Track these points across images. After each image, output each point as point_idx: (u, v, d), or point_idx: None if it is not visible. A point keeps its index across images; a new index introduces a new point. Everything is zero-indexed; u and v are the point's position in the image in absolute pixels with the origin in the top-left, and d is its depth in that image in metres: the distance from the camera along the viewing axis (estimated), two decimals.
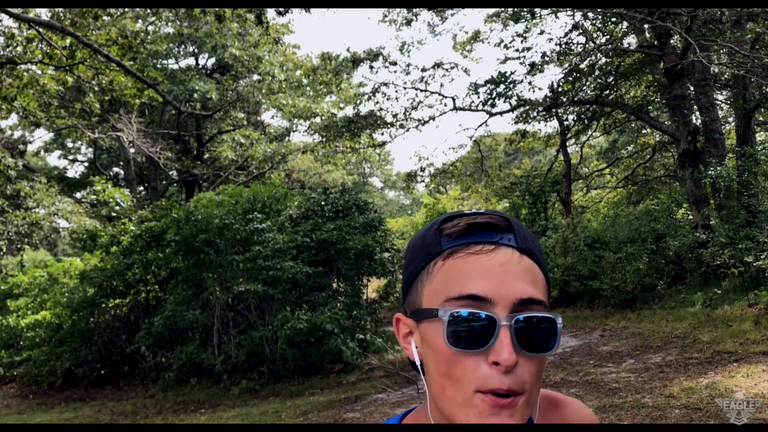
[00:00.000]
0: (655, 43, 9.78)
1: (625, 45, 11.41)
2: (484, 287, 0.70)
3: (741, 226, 7.98)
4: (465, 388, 0.72)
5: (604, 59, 11.11)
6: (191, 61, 18.84)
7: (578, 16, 10.66)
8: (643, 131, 15.08)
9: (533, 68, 11.55)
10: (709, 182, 9.00)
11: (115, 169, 22.08)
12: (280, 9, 8.15)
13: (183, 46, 17.91)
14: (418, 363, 0.78)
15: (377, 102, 14.27)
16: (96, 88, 10.62)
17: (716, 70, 10.05)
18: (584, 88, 11.67)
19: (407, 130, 14.11)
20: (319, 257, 8.09)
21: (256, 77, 17.25)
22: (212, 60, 18.37)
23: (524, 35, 11.61)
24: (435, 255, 0.74)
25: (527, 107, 12.14)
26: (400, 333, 0.81)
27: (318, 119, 16.75)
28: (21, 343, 9.05)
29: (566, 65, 11.42)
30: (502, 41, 12.62)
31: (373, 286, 10.56)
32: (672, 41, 9.69)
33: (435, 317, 0.71)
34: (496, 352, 0.69)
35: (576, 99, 11.44)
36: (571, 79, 11.44)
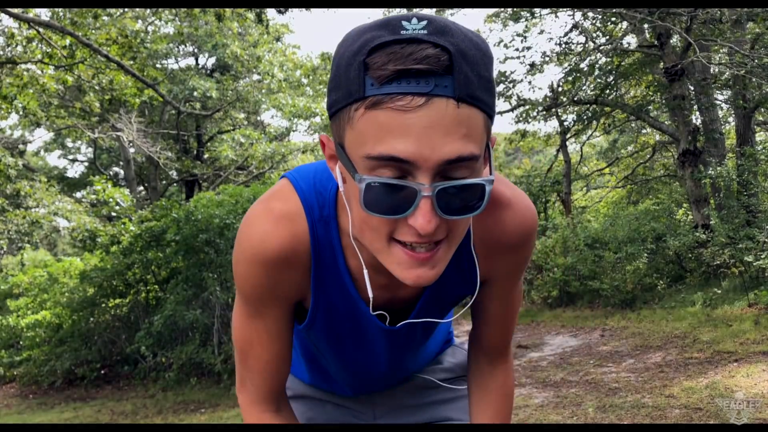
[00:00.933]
0: (655, 42, 9.78)
1: (625, 45, 11.41)
2: (406, 149, 0.62)
3: (741, 225, 7.98)
4: (382, 237, 0.71)
5: (604, 59, 11.11)
6: (191, 60, 18.85)
7: (578, 15, 10.66)
8: (643, 131, 15.07)
9: (533, 68, 11.55)
10: (709, 182, 9.00)
11: (115, 169, 22.07)
12: (281, 9, 8.15)
13: (183, 46, 17.90)
14: (342, 189, 0.76)
15: None
16: (96, 88, 10.62)
17: (716, 70, 10.05)
18: (584, 87, 11.67)
19: None
20: None
21: (256, 77, 17.26)
22: (212, 60, 18.36)
23: (524, 35, 11.61)
24: (357, 99, 0.64)
25: (527, 107, 12.14)
26: (326, 153, 0.76)
27: (318, 119, 16.75)
28: (21, 343, 9.05)
29: (566, 65, 11.42)
30: (501, 41, 12.62)
31: None
32: (672, 41, 9.69)
33: (352, 176, 0.67)
34: (413, 218, 0.66)
35: (576, 99, 11.44)
36: (571, 78, 11.44)
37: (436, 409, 1.20)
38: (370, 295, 0.83)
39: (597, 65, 11.24)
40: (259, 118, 18.81)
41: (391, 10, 13.72)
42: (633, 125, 14.28)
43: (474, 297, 0.94)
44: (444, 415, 1.19)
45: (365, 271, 0.82)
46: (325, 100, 0.74)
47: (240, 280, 0.88)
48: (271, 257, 0.84)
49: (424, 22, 0.64)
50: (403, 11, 13.74)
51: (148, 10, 12.01)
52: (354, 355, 1.02)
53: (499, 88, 11.86)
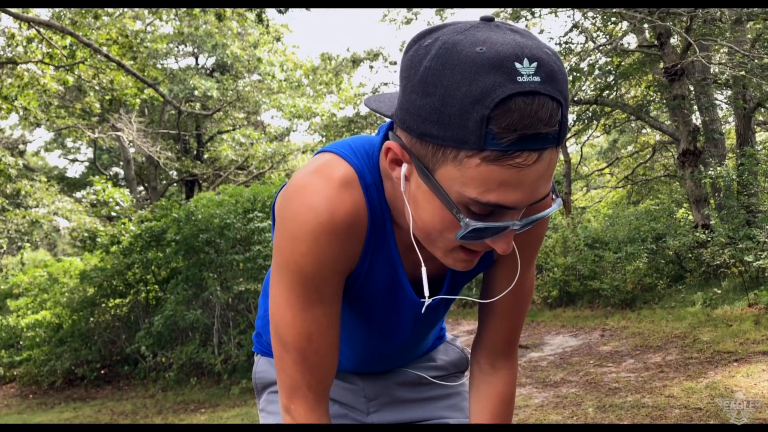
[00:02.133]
0: (655, 42, 9.78)
1: (625, 45, 11.41)
2: (515, 200, 0.68)
3: (741, 225, 7.98)
4: (451, 245, 0.76)
5: (604, 59, 11.11)
6: (191, 60, 18.85)
7: (578, 15, 10.66)
8: (643, 131, 15.07)
9: None
10: (709, 182, 9.00)
11: (115, 169, 22.08)
12: (281, 9, 8.15)
13: (183, 46, 17.90)
14: (403, 190, 0.77)
15: None
16: (96, 88, 10.62)
17: (716, 69, 10.05)
18: (584, 87, 11.66)
19: None
20: None
21: (255, 77, 17.26)
22: (212, 59, 18.37)
23: None
24: (472, 147, 0.65)
25: None
26: (389, 158, 0.76)
27: (318, 119, 16.75)
28: (21, 343, 9.05)
29: (566, 65, 11.41)
30: None
31: None
32: (672, 41, 9.68)
33: (454, 214, 0.71)
34: (496, 244, 0.74)
35: (576, 99, 11.43)
36: (570, 78, 11.43)
37: (430, 406, 1.21)
38: (426, 293, 0.84)
39: (597, 65, 11.24)
40: (259, 118, 18.81)
41: (391, 9, 13.73)
42: (633, 125, 14.28)
43: (488, 273, 1.00)
44: (439, 414, 1.20)
45: (423, 268, 0.84)
46: (400, 101, 0.72)
47: (301, 259, 0.82)
48: (340, 225, 0.81)
49: (535, 65, 0.64)
50: (402, 11, 13.75)
51: (147, 11, 12.01)
52: (379, 323, 1.01)
53: None
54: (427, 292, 0.83)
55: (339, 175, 0.82)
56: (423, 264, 0.83)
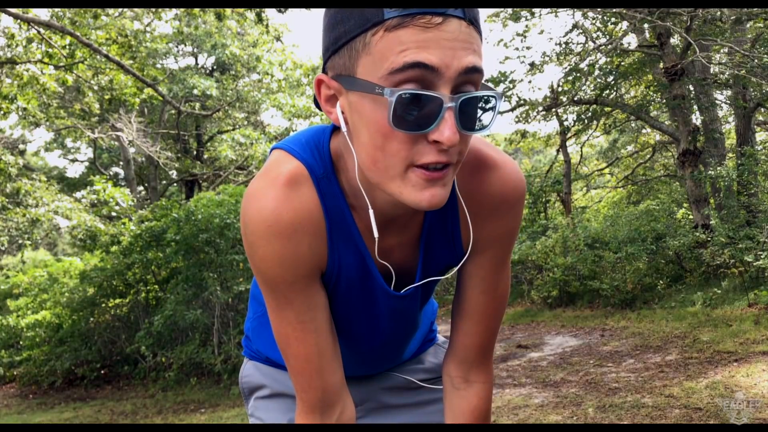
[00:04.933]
0: (655, 42, 9.78)
1: (625, 45, 11.41)
2: (432, 56, 0.66)
3: (741, 225, 7.98)
4: (400, 163, 0.72)
5: (604, 59, 11.11)
6: (190, 60, 18.84)
7: (578, 15, 10.66)
8: (643, 131, 15.07)
9: (533, 68, 11.54)
10: (709, 182, 9.00)
11: (115, 169, 22.07)
12: (281, 8, 8.14)
13: (182, 45, 17.90)
14: (344, 128, 0.76)
15: None
16: (95, 88, 10.62)
17: (716, 69, 10.05)
18: (584, 87, 11.67)
19: None
20: None
21: (255, 76, 17.25)
22: (211, 59, 18.36)
23: (524, 35, 11.61)
24: (375, 24, 0.67)
25: (527, 107, 12.13)
26: (322, 96, 0.77)
27: (317, 119, 16.74)
28: (21, 343, 9.04)
29: (566, 65, 11.41)
30: (501, 40, 12.61)
31: None
32: (672, 41, 9.69)
33: (377, 94, 0.68)
34: (439, 131, 0.69)
35: (576, 99, 11.44)
36: (571, 78, 11.44)
37: (418, 411, 1.19)
38: (376, 236, 0.81)
39: (597, 65, 11.24)
40: (258, 118, 18.80)
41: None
42: (633, 125, 14.28)
43: (459, 266, 0.94)
44: (427, 420, 1.18)
45: (371, 212, 0.80)
46: (321, 43, 0.75)
47: (260, 264, 0.83)
48: (288, 226, 0.80)
49: None
50: None
51: (146, 11, 12.00)
52: (357, 322, 0.99)
53: (499, 88, 11.85)
54: (377, 238, 0.81)
55: (285, 174, 0.81)
56: (370, 208, 0.81)
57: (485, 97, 0.72)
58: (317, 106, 0.83)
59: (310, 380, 0.90)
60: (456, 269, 0.94)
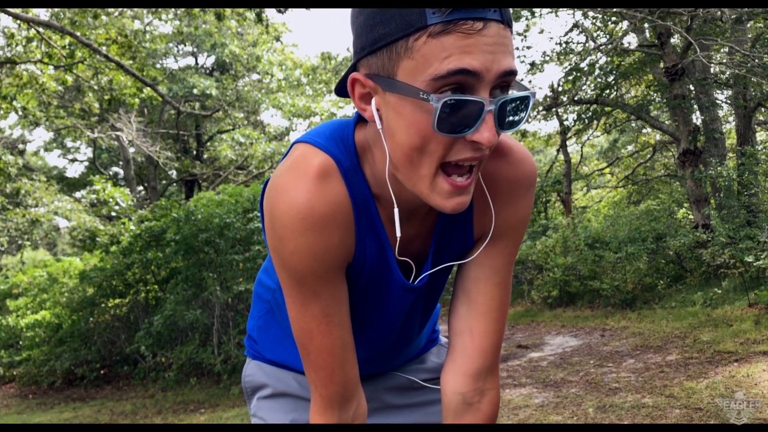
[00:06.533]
0: (656, 42, 9.77)
1: (626, 44, 11.40)
2: (475, 62, 0.68)
3: (741, 225, 7.97)
4: (435, 162, 0.75)
5: (604, 58, 11.10)
6: (190, 60, 18.84)
7: (578, 15, 10.65)
8: (644, 131, 15.07)
9: (533, 67, 11.54)
10: (709, 182, 9.00)
11: (115, 169, 22.06)
12: (280, 8, 8.14)
13: (182, 45, 17.90)
14: (379, 125, 0.77)
15: None
16: (95, 88, 10.61)
17: (716, 69, 10.04)
18: (584, 87, 11.66)
19: None
20: None
21: (255, 76, 17.25)
22: (211, 59, 18.36)
23: (524, 34, 11.61)
24: (419, 29, 0.68)
25: None
26: (356, 94, 0.78)
27: (317, 118, 16.75)
28: (21, 343, 9.04)
29: (566, 64, 11.41)
30: None
31: None
32: (672, 40, 9.68)
33: (422, 99, 0.70)
34: (479, 133, 0.71)
35: (576, 98, 11.43)
36: (571, 78, 11.43)
37: (420, 411, 1.19)
38: (398, 234, 0.83)
39: (597, 65, 11.23)
40: (258, 118, 18.80)
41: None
42: (633, 125, 14.28)
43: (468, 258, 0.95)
44: (429, 420, 1.18)
45: (396, 210, 0.82)
46: (354, 42, 0.76)
47: (290, 258, 0.82)
48: (321, 218, 0.80)
49: None
50: None
51: (146, 11, 11.99)
52: (373, 314, 0.98)
53: None
54: (398, 232, 0.83)
55: (315, 167, 0.82)
56: (396, 205, 0.83)
57: (524, 99, 0.75)
58: (339, 94, 0.86)
59: (332, 374, 0.90)
60: (474, 256, 0.95)
